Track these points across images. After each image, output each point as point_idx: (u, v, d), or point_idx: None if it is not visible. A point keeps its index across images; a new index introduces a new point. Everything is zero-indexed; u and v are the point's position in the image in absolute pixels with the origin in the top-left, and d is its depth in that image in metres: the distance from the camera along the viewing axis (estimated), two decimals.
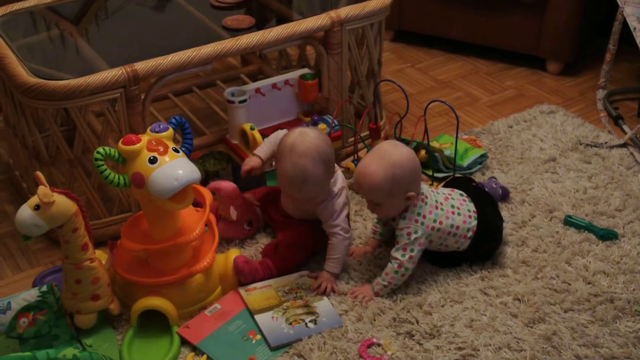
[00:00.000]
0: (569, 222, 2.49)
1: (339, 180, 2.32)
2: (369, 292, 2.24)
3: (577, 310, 2.18)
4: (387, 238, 2.42)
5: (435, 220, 2.22)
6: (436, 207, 2.23)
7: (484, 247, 2.32)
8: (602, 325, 2.13)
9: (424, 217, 2.21)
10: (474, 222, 2.27)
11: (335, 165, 2.27)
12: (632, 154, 2.85)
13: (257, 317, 2.16)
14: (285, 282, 2.27)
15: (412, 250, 2.20)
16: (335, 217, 2.26)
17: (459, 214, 2.26)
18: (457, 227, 2.25)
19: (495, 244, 2.35)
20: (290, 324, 2.14)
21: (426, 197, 2.23)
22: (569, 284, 2.26)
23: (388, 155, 2.15)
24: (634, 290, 2.24)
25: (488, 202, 2.36)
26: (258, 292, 2.23)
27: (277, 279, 2.28)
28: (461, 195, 2.32)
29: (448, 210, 2.25)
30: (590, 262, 2.34)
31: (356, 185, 2.22)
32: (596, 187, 2.66)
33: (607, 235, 2.43)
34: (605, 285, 2.26)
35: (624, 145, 2.90)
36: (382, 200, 2.17)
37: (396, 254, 2.21)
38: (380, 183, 2.13)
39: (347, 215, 2.33)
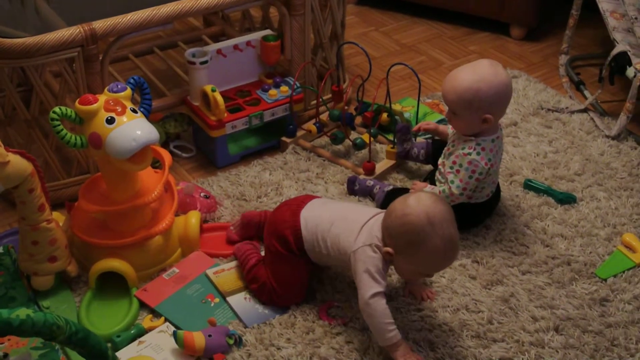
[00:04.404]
0: (528, 185, 2.51)
1: None
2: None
3: (534, 273, 2.20)
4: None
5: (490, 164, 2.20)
6: (492, 152, 2.21)
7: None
8: (559, 287, 2.16)
9: (484, 150, 2.18)
10: (484, 199, 2.28)
11: None
12: (592, 119, 2.87)
13: (229, 299, 2.12)
14: None
15: (467, 182, 2.20)
16: None
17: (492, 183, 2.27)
18: (482, 189, 2.26)
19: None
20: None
21: (498, 138, 2.21)
22: (527, 247, 2.29)
23: (482, 70, 2.14)
24: (590, 253, 2.27)
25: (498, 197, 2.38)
26: (227, 274, 2.19)
27: None
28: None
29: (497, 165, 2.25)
30: (548, 226, 2.36)
31: (442, 87, 2.21)
32: (556, 152, 2.68)
33: (566, 199, 2.45)
34: (562, 248, 2.29)
35: (584, 110, 2.92)
36: (459, 110, 2.16)
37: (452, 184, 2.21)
38: (463, 91, 2.13)
39: None
